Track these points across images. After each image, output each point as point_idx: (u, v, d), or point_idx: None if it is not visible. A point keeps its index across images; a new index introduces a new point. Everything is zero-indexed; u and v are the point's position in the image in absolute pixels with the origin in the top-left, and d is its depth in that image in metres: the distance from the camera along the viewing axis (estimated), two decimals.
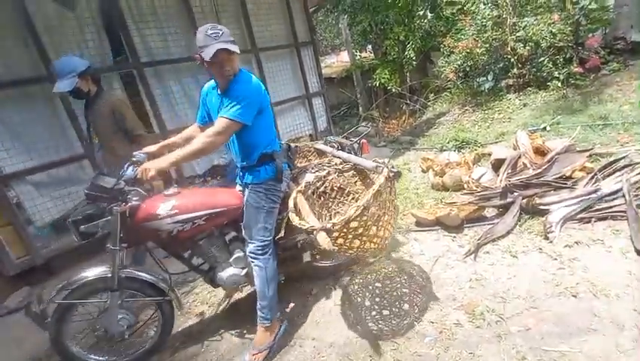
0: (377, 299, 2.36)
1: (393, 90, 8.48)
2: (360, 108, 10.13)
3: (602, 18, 6.13)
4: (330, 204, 2.34)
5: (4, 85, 3.10)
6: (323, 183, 2.29)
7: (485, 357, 1.77)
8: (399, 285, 2.46)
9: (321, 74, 5.80)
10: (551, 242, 2.49)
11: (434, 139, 5.70)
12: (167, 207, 1.95)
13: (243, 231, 2.12)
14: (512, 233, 2.71)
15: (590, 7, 5.67)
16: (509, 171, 3.28)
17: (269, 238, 2.08)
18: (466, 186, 3.43)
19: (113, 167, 2.26)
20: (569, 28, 5.69)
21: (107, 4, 3.60)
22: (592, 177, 2.91)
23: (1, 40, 3.11)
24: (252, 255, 2.06)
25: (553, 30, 5.62)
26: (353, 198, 2.35)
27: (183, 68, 4.16)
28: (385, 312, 2.23)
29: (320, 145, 2.83)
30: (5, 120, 3.14)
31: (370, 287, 2.48)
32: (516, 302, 2.06)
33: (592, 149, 3.50)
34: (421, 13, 8.12)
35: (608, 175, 2.90)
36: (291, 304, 2.47)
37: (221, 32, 1.81)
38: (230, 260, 2.20)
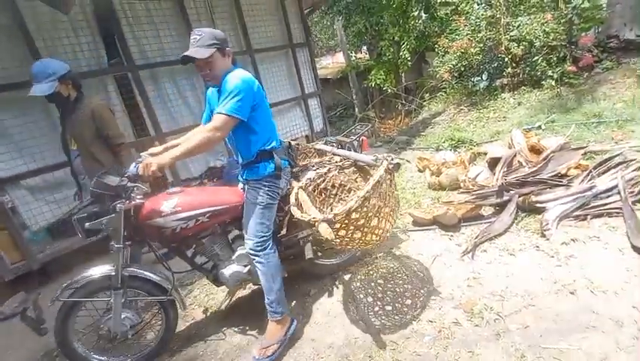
0: (376, 299, 2.35)
1: (389, 91, 8.52)
2: (356, 109, 10.17)
3: (595, 17, 6.19)
4: (331, 201, 2.33)
5: None
6: (324, 180, 2.29)
7: (484, 356, 1.76)
8: (397, 285, 2.46)
9: (317, 75, 5.80)
10: (548, 240, 2.50)
11: (430, 139, 5.70)
12: (171, 205, 1.96)
13: (243, 228, 2.12)
14: (509, 231, 2.72)
15: (582, 5, 5.70)
16: (505, 169, 3.30)
17: (267, 234, 2.07)
18: (462, 185, 3.44)
19: (93, 174, 2.14)
20: (562, 28, 5.73)
21: (101, 7, 3.58)
22: (587, 175, 2.93)
23: None
24: (252, 252, 2.06)
25: (547, 29, 5.66)
26: (354, 195, 2.34)
27: (178, 70, 4.12)
28: (384, 312, 2.23)
29: (320, 145, 2.83)
30: None
31: (369, 287, 2.48)
32: (514, 300, 2.06)
33: (586, 147, 3.52)
34: (416, 13, 8.17)
35: (603, 172, 2.92)
36: (290, 305, 2.46)
37: (199, 37, 1.83)
38: (233, 257, 2.21)
